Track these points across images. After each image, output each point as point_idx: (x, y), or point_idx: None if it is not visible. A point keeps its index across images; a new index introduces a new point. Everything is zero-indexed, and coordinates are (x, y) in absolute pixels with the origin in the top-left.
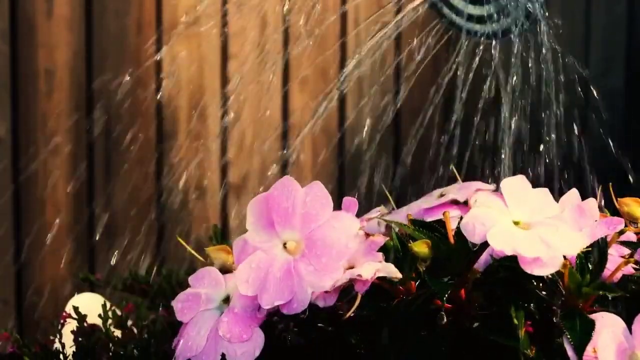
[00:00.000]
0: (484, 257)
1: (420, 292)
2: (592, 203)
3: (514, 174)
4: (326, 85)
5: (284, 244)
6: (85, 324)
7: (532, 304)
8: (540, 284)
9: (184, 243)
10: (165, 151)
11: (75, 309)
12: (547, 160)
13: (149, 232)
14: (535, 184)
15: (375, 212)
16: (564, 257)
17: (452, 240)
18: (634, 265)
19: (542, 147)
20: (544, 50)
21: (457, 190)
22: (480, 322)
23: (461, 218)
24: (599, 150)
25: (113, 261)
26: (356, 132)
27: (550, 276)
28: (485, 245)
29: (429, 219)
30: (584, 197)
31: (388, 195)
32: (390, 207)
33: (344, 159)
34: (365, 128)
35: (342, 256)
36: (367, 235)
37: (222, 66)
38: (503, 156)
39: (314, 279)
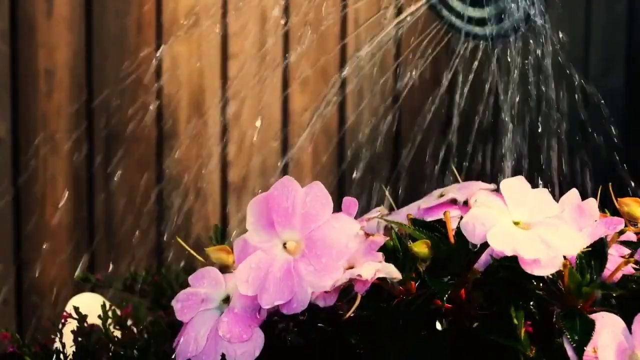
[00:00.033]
0: (484, 257)
1: (420, 292)
2: (592, 203)
3: (515, 174)
4: (327, 86)
5: (284, 244)
6: (85, 324)
7: (532, 304)
8: (540, 284)
9: (183, 243)
10: (166, 151)
11: (76, 309)
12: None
13: (149, 232)
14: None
15: (375, 212)
16: (564, 257)
17: (452, 240)
18: (634, 265)
19: (541, 147)
20: (543, 51)
21: (457, 190)
22: (480, 322)
23: (461, 218)
24: (599, 151)
25: (112, 266)
26: (356, 132)
27: (550, 276)
28: (485, 245)
29: (429, 219)
30: (584, 197)
31: (388, 195)
32: (389, 207)
33: (344, 159)
34: (366, 128)
35: (342, 256)
36: (367, 235)
37: (222, 66)
38: (503, 156)
39: (314, 279)
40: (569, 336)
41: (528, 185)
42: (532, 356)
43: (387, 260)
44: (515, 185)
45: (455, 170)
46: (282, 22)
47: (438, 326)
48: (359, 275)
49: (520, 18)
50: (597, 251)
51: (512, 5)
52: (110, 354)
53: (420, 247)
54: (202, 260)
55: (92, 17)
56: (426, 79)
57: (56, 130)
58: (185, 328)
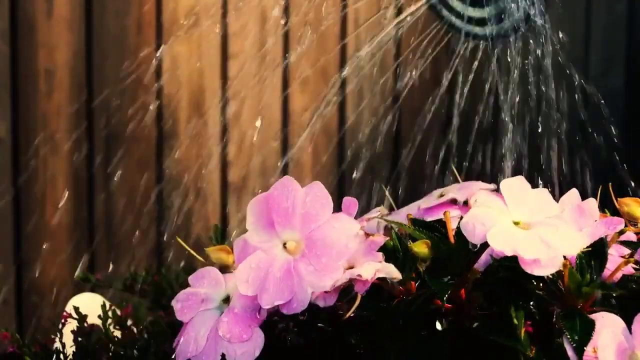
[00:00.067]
0: (484, 257)
1: (420, 292)
2: (592, 203)
3: (515, 174)
4: (327, 86)
5: (284, 244)
6: (85, 324)
7: (532, 304)
8: (540, 284)
9: (183, 243)
10: (166, 151)
11: (76, 309)
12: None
13: (149, 232)
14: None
15: (375, 212)
16: (564, 257)
17: (452, 240)
18: (634, 265)
19: (541, 147)
20: (543, 51)
21: (457, 190)
22: (480, 322)
23: (461, 218)
24: (599, 151)
25: (112, 266)
26: (356, 132)
27: (550, 276)
28: (485, 245)
29: (429, 219)
30: (584, 197)
31: (388, 195)
32: (389, 207)
33: (344, 159)
34: (366, 128)
35: (342, 256)
36: (367, 235)
37: (222, 66)
38: (503, 156)
39: (314, 279)
40: (569, 336)
41: (528, 185)
42: (532, 356)
43: (387, 260)
44: (515, 185)
45: (455, 170)
46: (282, 22)
47: (438, 326)
48: (359, 276)
49: (520, 18)
50: (597, 251)
51: (512, 5)
52: (110, 354)
53: (420, 247)
54: (202, 260)
55: (92, 17)
56: (426, 79)
57: (56, 130)
58: (185, 328)
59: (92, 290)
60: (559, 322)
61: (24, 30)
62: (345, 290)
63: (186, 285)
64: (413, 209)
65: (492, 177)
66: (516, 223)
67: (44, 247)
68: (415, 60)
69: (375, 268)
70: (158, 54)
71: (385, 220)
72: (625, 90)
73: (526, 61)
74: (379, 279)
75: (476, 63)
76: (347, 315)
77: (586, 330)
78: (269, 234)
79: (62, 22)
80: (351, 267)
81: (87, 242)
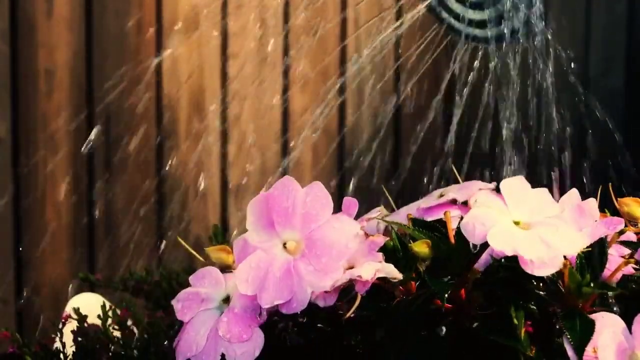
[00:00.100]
0: (484, 257)
1: (420, 292)
2: (592, 203)
3: (514, 174)
4: (327, 86)
5: (284, 244)
6: (85, 324)
7: (532, 304)
8: (540, 284)
9: (184, 243)
10: (165, 151)
11: (76, 309)
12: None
13: (149, 232)
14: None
15: (375, 212)
16: (564, 257)
17: (452, 240)
18: (634, 265)
19: (541, 147)
20: (543, 51)
21: (457, 190)
22: (480, 322)
23: (461, 218)
24: (599, 151)
25: (112, 266)
26: (356, 132)
27: (550, 276)
28: (485, 245)
29: (429, 219)
30: (584, 197)
31: (388, 195)
32: (389, 207)
33: (344, 159)
34: (366, 128)
35: (342, 256)
36: (367, 235)
37: (222, 66)
38: (503, 156)
39: (313, 278)
40: (569, 336)
41: (528, 185)
42: (532, 356)
43: (387, 260)
44: (515, 185)
45: (455, 170)
46: (283, 22)
47: (442, 331)
48: (359, 276)
49: (520, 19)
50: (597, 251)
51: (512, 7)
52: (110, 354)
53: (421, 247)
54: (203, 260)
55: (92, 17)
56: (426, 80)
57: (56, 130)
58: (185, 328)
59: (92, 290)
60: (559, 322)
61: (24, 30)
62: (345, 290)
63: (186, 285)
64: (413, 209)
65: (492, 177)
66: (516, 223)
67: (44, 247)
68: (415, 61)
69: (375, 268)
70: (158, 54)
71: (385, 221)
72: (625, 90)
73: (526, 61)
74: (379, 279)
75: (476, 64)
76: (347, 315)
77: (586, 330)
78: (269, 233)
79: (62, 22)
80: (351, 267)
81: (87, 242)
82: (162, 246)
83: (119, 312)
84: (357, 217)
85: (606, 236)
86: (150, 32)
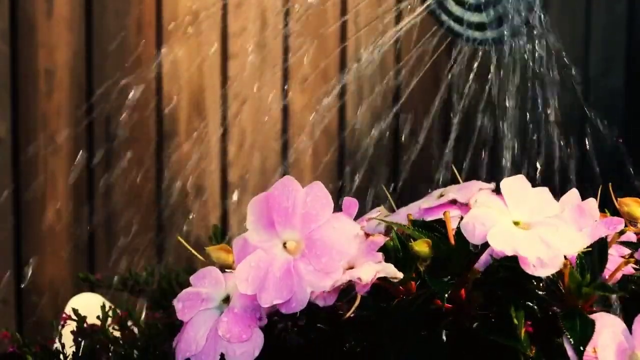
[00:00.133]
0: (484, 257)
1: (420, 292)
2: (592, 203)
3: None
4: (327, 86)
5: (284, 244)
6: (85, 325)
7: (532, 304)
8: (540, 284)
9: (184, 243)
10: (165, 151)
11: (75, 310)
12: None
13: (148, 232)
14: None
15: (375, 212)
16: (564, 257)
17: (452, 240)
18: (634, 265)
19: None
20: (543, 51)
21: (457, 191)
22: (480, 322)
23: (461, 218)
24: (599, 150)
25: (112, 266)
26: (357, 132)
27: (550, 276)
28: (485, 245)
29: (429, 219)
30: (584, 197)
31: (388, 195)
32: (389, 207)
33: (344, 159)
34: (366, 128)
35: (342, 256)
36: (367, 235)
37: (222, 66)
38: (503, 157)
39: (313, 278)
40: (569, 336)
41: (528, 185)
42: (532, 356)
43: (387, 260)
44: (515, 185)
45: (455, 171)
46: (283, 22)
47: (442, 332)
48: (359, 279)
49: (520, 21)
50: (597, 251)
51: (512, 9)
52: (110, 354)
53: (421, 246)
54: (203, 260)
55: (92, 17)
56: (426, 80)
57: (56, 130)
58: (185, 327)
59: (92, 290)
60: (559, 322)
61: (24, 30)
62: (345, 290)
63: (186, 285)
64: (413, 209)
65: (492, 177)
66: (516, 223)
67: (44, 247)
68: (416, 62)
69: (375, 270)
70: (158, 54)
71: (385, 221)
72: (625, 90)
73: (526, 62)
74: (379, 279)
75: (476, 65)
76: (347, 315)
77: (586, 330)
78: (269, 233)
79: (62, 22)
80: (351, 267)
81: (87, 242)
82: (162, 246)
83: (119, 312)
84: (357, 217)
85: (606, 236)
86: (150, 32)
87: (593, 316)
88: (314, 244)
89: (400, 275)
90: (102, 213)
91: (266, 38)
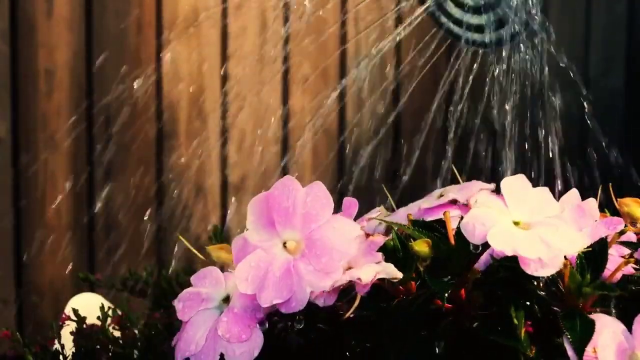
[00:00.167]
0: (484, 257)
1: (420, 292)
2: (592, 203)
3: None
4: (327, 86)
5: (284, 244)
6: (84, 325)
7: (532, 304)
8: (540, 284)
9: (185, 242)
10: (165, 151)
11: (75, 311)
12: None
13: (148, 232)
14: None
15: (375, 212)
16: (564, 257)
17: (452, 240)
18: (634, 266)
19: (541, 147)
20: (543, 52)
21: (457, 191)
22: (480, 322)
23: (461, 218)
24: (599, 150)
25: (112, 266)
26: (357, 132)
27: (550, 276)
28: (485, 245)
29: (429, 219)
30: (584, 197)
31: (388, 195)
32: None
33: (344, 159)
34: (366, 128)
35: (342, 257)
36: (367, 235)
37: (222, 66)
38: (503, 157)
39: (313, 278)
40: (569, 336)
41: (529, 184)
42: (532, 356)
43: (387, 260)
44: (515, 185)
45: (455, 170)
46: (283, 22)
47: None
48: (359, 279)
49: (520, 22)
50: (597, 251)
51: (511, 11)
52: (110, 354)
53: (421, 246)
54: (203, 259)
55: (92, 17)
56: (426, 81)
57: (56, 130)
58: (185, 327)
59: (92, 290)
60: (559, 322)
61: (24, 30)
62: (345, 290)
63: (186, 285)
64: (413, 209)
65: (492, 177)
66: (516, 223)
67: (44, 247)
68: (415, 62)
69: (375, 270)
70: (158, 54)
71: (385, 221)
72: (625, 90)
73: (525, 62)
74: (379, 279)
75: (476, 66)
76: (347, 315)
77: (586, 330)
78: (269, 233)
79: (62, 22)
80: (351, 267)
81: (87, 242)
82: (162, 246)
83: (119, 312)
84: (357, 217)
85: (606, 236)
86: (150, 32)
87: (593, 316)
88: (314, 244)
89: (400, 275)
90: (102, 213)
91: (266, 38)
